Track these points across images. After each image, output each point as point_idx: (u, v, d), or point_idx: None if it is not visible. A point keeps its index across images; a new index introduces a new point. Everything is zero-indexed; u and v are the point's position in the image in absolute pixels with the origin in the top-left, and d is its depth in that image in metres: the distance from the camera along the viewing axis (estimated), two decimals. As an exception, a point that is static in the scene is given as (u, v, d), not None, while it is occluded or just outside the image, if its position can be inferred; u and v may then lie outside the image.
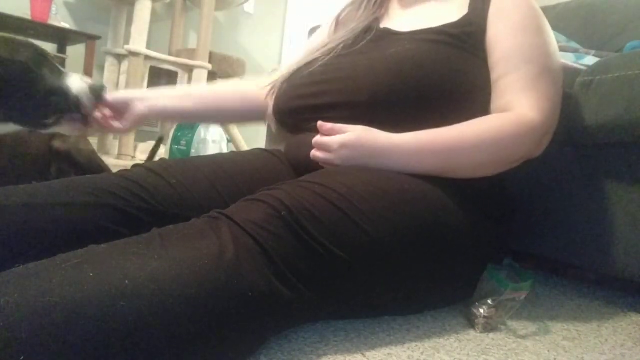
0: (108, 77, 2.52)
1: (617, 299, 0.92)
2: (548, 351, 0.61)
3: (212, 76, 2.70)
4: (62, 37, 2.38)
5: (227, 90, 0.93)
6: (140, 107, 0.82)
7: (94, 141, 2.35)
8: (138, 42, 2.29)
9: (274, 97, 0.85)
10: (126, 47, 2.29)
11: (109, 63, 2.52)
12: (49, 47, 2.45)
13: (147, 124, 2.66)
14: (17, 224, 0.54)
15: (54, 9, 2.27)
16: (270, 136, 1.51)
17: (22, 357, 0.33)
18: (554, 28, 0.77)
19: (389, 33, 0.79)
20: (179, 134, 2.19)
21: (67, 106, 0.73)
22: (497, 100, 0.70)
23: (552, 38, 0.73)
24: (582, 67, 0.90)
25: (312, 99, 0.74)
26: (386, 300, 0.62)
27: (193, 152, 2.13)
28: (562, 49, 1.00)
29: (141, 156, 2.44)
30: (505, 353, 0.59)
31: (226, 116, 0.96)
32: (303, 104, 0.76)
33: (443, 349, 0.58)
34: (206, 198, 0.67)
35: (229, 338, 0.44)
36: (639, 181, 0.81)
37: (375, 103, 0.69)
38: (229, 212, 0.51)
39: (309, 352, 0.52)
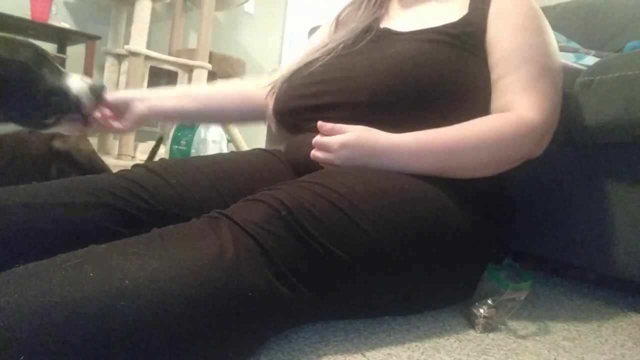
0: (108, 77, 2.52)
1: (617, 299, 0.92)
2: (548, 351, 0.61)
3: (212, 76, 2.69)
4: (62, 37, 2.38)
5: (228, 91, 0.93)
6: (140, 107, 0.83)
7: (94, 141, 2.35)
8: (138, 42, 2.29)
9: (273, 97, 0.85)
10: (126, 47, 2.29)
11: (109, 63, 2.52)
12: (49, 47, 2.45)
13: (147, 124, 2.66)
14: (17, 224, 0.54)
15: (54, 9, 2.27)
16: (270, 136, 1.51)
17: (22, 357, 0.33)
18: (554, 28, 0.77)
19: (389, 33, 0.79)
20: (179, 134, 2.19)
21: (67, 106, 0.73)
22: (497, 100, 0.70)
23: (552, 38, 0.73)
24: (582, 67, 0.90)
25: (312, 99, 0.74)
26: (386, 300, 0.62)
27: (193, 152, 2.13)
28: (562, 49, 1.00)
29: (141, 156, 2.44)
30: (505, 353, 0.59)
31: (226, 116, 0.96)
32: (303, 104, 0.76)
33: (443, 349, 0.58)
34: (206, 198, 0.67)
35: (229, 338, 0.44)
36: (639, 181, 0.81)
37: (375, 103, 0.69)
38: (229, 212, 0.51)
39: (309, 352, 0.52)
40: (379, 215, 0.55)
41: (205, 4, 2.57)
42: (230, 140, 2.48)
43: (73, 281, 0.38)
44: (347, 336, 0.57)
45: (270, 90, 0.86)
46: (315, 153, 0.66)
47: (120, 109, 0.82)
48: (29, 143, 1.04)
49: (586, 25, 1.41)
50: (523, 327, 0.69)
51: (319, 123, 0.65)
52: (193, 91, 0.92)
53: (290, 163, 0.79)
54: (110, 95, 0.81)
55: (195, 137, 2.13)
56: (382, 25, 0.83)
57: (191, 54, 2.60)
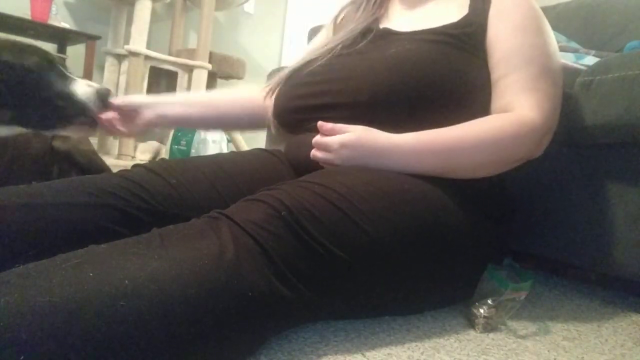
0: (108, 77, 2.52)
1: (617, 299, 0.92)
2: (548, 351, 0.61)
3: (212, 76, 2.69)
4: (62, 37, 2.38)
5: (234, 97, 0.93)
6: (148, 115, 0.83)
7: (94, 141, 2.35)
8: (138, 42, 2.29)
9: (273, 97, 0.85)
10: (126, 47, 2.29)
11: (109, 63, 2.52)
12: (49, 47, 2.44)
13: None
14: (17, 224, 0.54)
15: (54, 9, 2.27)
16: (270, 136, 1.51)
17: (22, 357, 0.33)
18: (554, 28, 0.77)
19: (388, 33, 0.79)
20: (179, 134, 2.19)
21: (74, 111, 0.74)
22: (497, 101, 0.70)
23: (552, 38, 0.73)
24: (582, 67, 0.90)
25: (312, 99, 0.74)
26: (386, 300, 0.62)
27: (193, 152, 2.13)
28: (562, 49, 1.00)
29: (141, 156, 2.44)
30: (505, 353, 0.59)
31: (234, 123, 0.97)
32: (303, 104, 0.76)
33: (443, 349, 0.58)
34: (206, 198, 0.67)
35: (229, 338, 0.44)
36: (639, 181, 0.81)
37: (375, 103, 0.69)
38: (229, 212, 0.51)
39: (309, 352, 0.52)
40: (379, 215, 0.55)
41: (205, 4, 2.57)
42: (230, 140, 2.48)
43: (73, 281, 0.38)
44: (347, 336, 0.57)
45: (269, 91, 0.86)
46: (315, 153, 0.66)
47: (128, 113, 0.83)
48: (30, 143, 1.04)
49: (586, 25, 1.41)
50: (523, 327, 0.69)
51: (319, 123, 0.65)
52: (200, 98, 0.92)
53: (290, 163, 0.79)
54: (119, 99, 0.81)
55: (195, 137, 2.14)
56: (381, 26, 0.83)
57: (191, 54, 2.60)
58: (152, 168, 0.68)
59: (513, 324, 0.69)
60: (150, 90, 2.47)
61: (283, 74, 0.84)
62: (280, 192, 0.54)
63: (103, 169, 1.13)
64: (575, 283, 1.01)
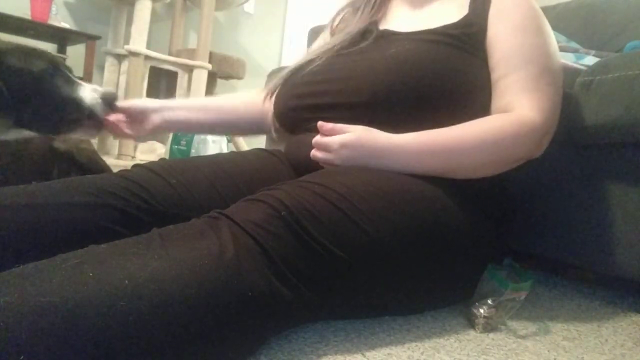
0: (108, 77, 2.52)
1: (617, 299, 0.92)
2: (548, 351, 0.61)
3: (212, 76, 2.69)
4: (62, 37, 2.38)
5: (241, 102, 0.93)
6: (156, 120, 0.84)
7: (94, 141, 2.35)
8: (138, 42, 2.29)
9: (273, 98, 0.85)
10: (126, 47, 2.29)
11: (109, 63, 2.52)
12: (49, 47, 2.44)
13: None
14: (17, 224, 0.54)
15: (54, 9, 2.27)
16: (270, 136, 1.50)
17: (22, 357, 0.33)
18: (554, 28, 0.77)
19: (388, 33, 0.79)
20: (179, 134, 2.19)
21: (80, 115, 0.75)
22: (497, 101, 0.70)
23: (552, 38, 0.73)
24: (582, 67, 0.90)
25: (312, 99, 0.75)
26: (386, 300, 0.62)
27: (193, 152, 2.13)
28: (562, 49, 1.00)
29: (141, 156, 2.44)
30: (505, 353, 0.59)
31: (243, 129, 0.97)
32: (303, 103, 0.76)
33: (443, 349, 0.58)
34: (206, 198, 0.67)
35: (229, 338, 0.44)
36: (639, 181, 0.81)
37: (375, 103, 0.69)
38: (229, 212, 0.51)
39: (309, 352, 0.52)
40: (379, 215, 0.55)
41: (205, 4, 2.57)
42: (230, 140, 2.48)
43: (73, 281, 0.38)
44: (347, 336, 0.57)
45: (267, 94, 0.86)
46: (315, 153, 0.66)
47: (135, 117, 0.83)
48: (30, 143, 1.04)
49: (586, 25, 1.41)
50: (523, 327, 0.69)
51: (319, 123, 0.65)
52: (207, 103, 0.92)
53: (290, 163, 0.79)
54: (126, 102, 0.82)
55: (195, 137, 2.14)
56: (381, 27, 0.83)
57: (191, 54, 2.60)
58: (152, 168, 0.68)
59: (513, 324, 0.69)
60: (150, 90, 2.47)
61: (281, 75, 0.84)
62: (280, 192, 0.54)
63: (103, 169, 1.13)
64: (575, 283, 1.01)
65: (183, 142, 2.15)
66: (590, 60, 1.00)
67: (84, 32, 2.41)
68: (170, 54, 2.74)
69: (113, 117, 0.80)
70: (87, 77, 2.27)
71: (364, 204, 0.55)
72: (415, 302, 0.67)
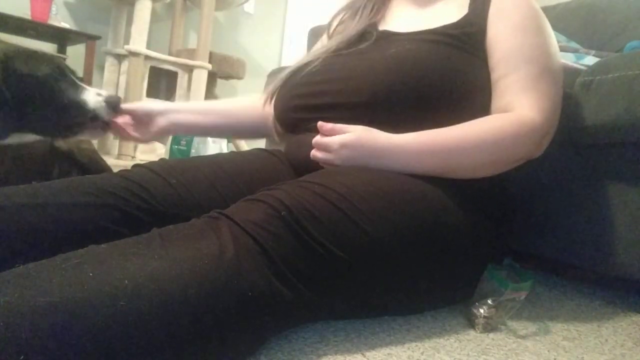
0: (108, 77, 2.52)
1: (617, 299, 0.92)
2: (548, 351, 0.61)
3: (212, 76, 2.69)
4: (62, 37, 2.38)
5: (245, 107, 0.93)
6: (162, 123, 0.85)
7: (94, 141, 2.35)
8: (138, 42, 2.29)
9: (273, 98, 0.85)
10: (126, 47, 2.29)
11: (109, 63, 2.52)
12: (49, 47, 2.45)
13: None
14: (17, 224, 0.54)
15: (54, 9, 2.27)
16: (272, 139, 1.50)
17: (22, 357, 0.33)
18: (554, 28, 0.77)
19: (388, 34, 0.79)
20: (179, 134, 2.19)
21: (85, 119, 0.77)
22: (497, 101, 0.70)
23: (552, 38, 0.73)
24: (582, 67, 0.90)
25: (312, 99, 0.75)
26: (386, 300, 0.62)
27: (193, 152, 2.13)
28: (562, 49, 1.00)
29: (141, 156, 2.44)
30: (505, 353, 0.59)
31: (244, 133, 0.97)
32: (303, 103, 0.76)
33: (443, 349, 0.58)
34: (206, 198, 0.67)
35: (229, 338, 0.44)
36: (639, 181, 0.81)
37: (375, 103, 0.69)
38: (229, 212, 0.51)
39: (309, 352, 0.52)
40: (379, 215, 0.55)
41: (205, 4, 2.57)
42: (230, 140, 2.48)
43: (73, 281, 0.38)
44: (347, 336, 0.57)
45: (267, 98, 0.86)
46: (315, 153, 0.66)
47: (140, 119, 0.84)
48: (32, 144, 1.04)
49: (586, 25, 1.41)
50: (523, 327, 0.69)
51: (319, 123, 0.65)
52: (210, 107, 0.93)
53: (290, 163, 0.79)
54: (132, 105, 0.83)
55: (195, 138, 2.13)
56: (380, 28, 0.83)
57: (191, 54, 2.60)
58: (152, 168, 0.68)
59: (513, 324, 0.69)
60: (150, 90, 2.47)
61: (280, 77, 0.84)
62: (280, 192, 0.54)
63: (103, 168, 1.13)
64: (575, 283, 1.01)
65: (183, 142, 2.14)
66: (590, 60, 1.00)
67: (84, 32, 2.41)
68: (170, 54, 2.74)
69: (120, 120, 0.81)
70: (87, 77, 2.27)
71: (364, 204, 0.55)
72: (415, 302, 0.67)
